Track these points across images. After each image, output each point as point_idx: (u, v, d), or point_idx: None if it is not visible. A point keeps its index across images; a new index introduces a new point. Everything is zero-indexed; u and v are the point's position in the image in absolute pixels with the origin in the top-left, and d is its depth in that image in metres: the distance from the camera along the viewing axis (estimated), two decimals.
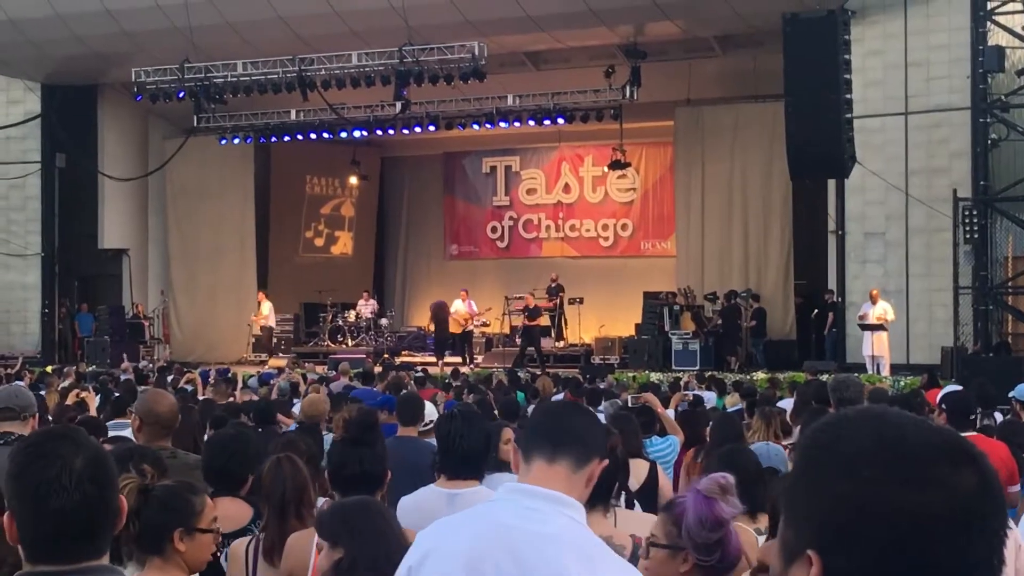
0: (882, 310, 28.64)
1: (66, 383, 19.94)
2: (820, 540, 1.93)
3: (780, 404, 15.05)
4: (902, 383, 25.42)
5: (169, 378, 24.05)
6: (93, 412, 13.15)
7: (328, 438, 10.76)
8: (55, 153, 38.97)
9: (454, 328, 36.44)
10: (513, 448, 4.13)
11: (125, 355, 34.38)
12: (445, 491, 6.62)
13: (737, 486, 4.63)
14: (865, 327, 28.81)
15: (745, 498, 6.03)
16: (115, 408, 12.37)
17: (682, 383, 22.76)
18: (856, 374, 22.63)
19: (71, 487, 3.26)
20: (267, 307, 37.77)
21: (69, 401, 13.27)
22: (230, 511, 6.41)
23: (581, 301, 37.08)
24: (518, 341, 36.59)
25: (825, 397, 11.94)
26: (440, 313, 36.59)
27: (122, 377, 25.01)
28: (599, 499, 5.76)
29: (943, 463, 1.89)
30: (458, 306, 36.43)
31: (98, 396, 18.13)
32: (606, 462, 4.05)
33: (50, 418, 11.72)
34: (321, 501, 6.85)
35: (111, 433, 9.96)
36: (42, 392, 18.30)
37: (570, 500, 3.85)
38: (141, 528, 4.84)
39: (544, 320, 36.05)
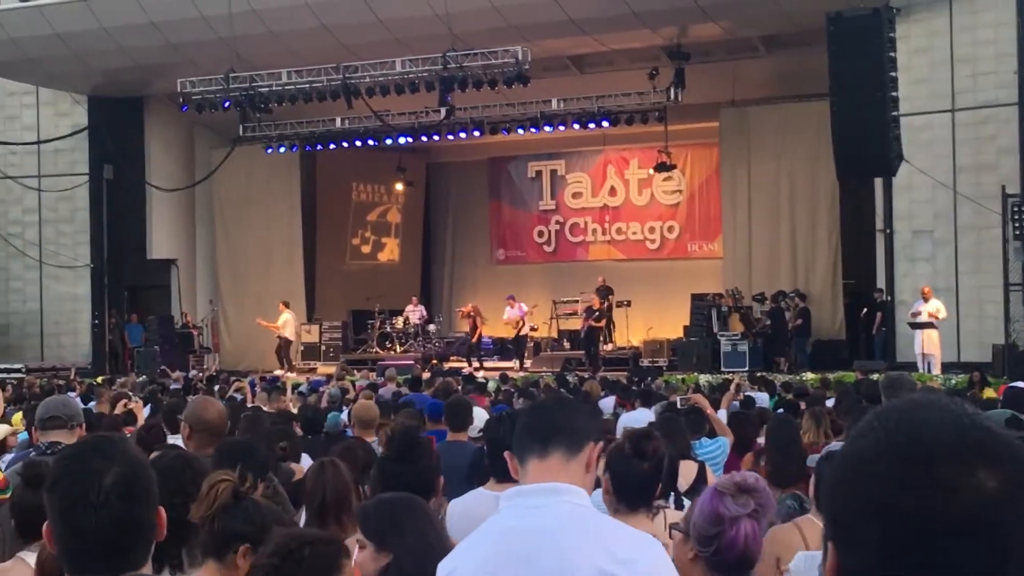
0: (934, 307, 28.47)
1: (119, 392, 20.00)
2: (833, 533, 1.90)
3: (828, 403, 15.04)
4: (953, 381, 25.26)
5: (216, 387, 24.09)
6: (141, 422, 13.18)
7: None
8: (103, 165, 39.25)
9: (507, 333, 36.50)
10: (508, 457, 4.12)
11: (166, 366, 34.47)
12: (494, 494, 6.59)
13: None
14: (916, 325, 28.64)
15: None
16: (168, 421, 12.37)
17: (733, 385, 22.67)
18: (908, 372, 22.55)
19: (99, 504, 3.22)
20: (282, 319, 37.31)
21: (118, 411, 13.32)
22: None
23: (629, 304, 37.01)
24: (566, 345, 36.62)
25: (875, 396, 11.88)
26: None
27: (172, 387, 25.10)
28: (641, 501, 5.74)
29: (956, 465, 1.80)
30: (509, 313, 36.44)
31: (148, 406, 18.23)
32: (601, 444, 4.07)
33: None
34: None
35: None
36: (92, 403, 18.41)
37: (567, 487, 3.84)
38: (218, 528, 4.84)
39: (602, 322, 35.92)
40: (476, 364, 35.51)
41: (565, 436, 3.95)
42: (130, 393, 19.94)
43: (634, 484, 5.81)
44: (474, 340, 37.39)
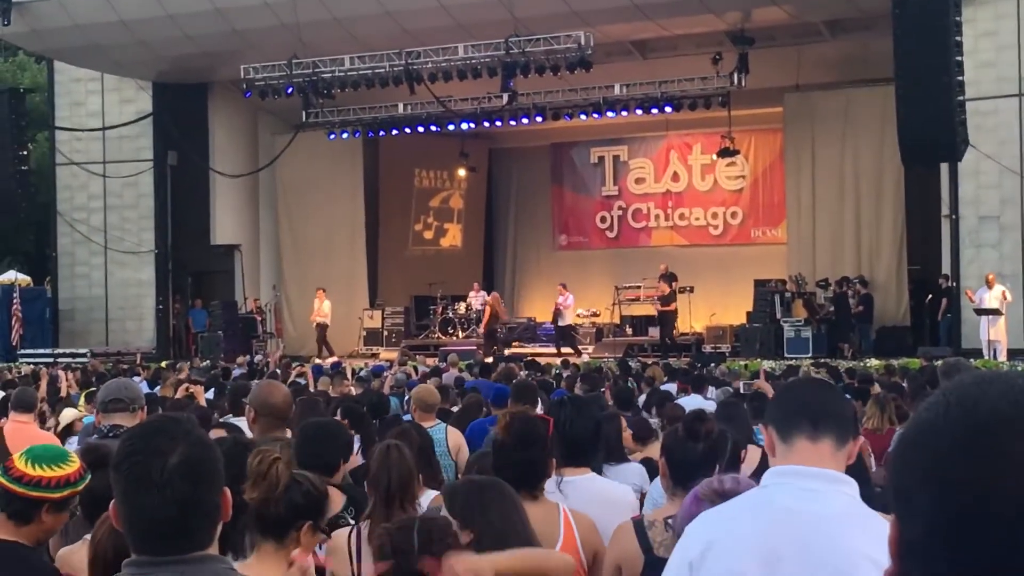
0: (999, 293, 28.26)
1: (180, 377, 20.14)
2: (895, 506, 1.89)
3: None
4: (1020, 367, 25.05)
5: (279, 372, 24.19)
6: (202, 404, 13.28)
7: (441, 428, 10.78)
8: (167, 151, 39.50)
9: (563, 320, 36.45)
10: (764, 428, 4.04)
11: (230, 351, 34.65)
12: (556, 478, 6.57)
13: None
14: (981, 312, 28.43)
15: None
16: (233, 404, 12.44)
17: (801, 371, 22.59)
18: (971, 359, 22.41)
19: (161, 483, 3.22)
20: (327, 306, 37.47)
21: (179, 395, 13.41)
22: None
23: (692, 290, 36.88)
24: (628, 331, 36.62)
25: (937, 382, 11.81)
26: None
27: (236, 372, 25.23)
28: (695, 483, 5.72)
29: (1012, 435, 1.76)
30: (561, 300, 36.27)
31: (211, 390, 18.35)
32: (861, 439, 4.01)
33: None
34: (432, 494, 6.85)
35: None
36: (157, 388, 18.55)
37: (845, 478, 3.77)
38: (282, 509, 4.87)
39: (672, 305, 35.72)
40: (558, 350, 35.23)
41: (836, 422, 3.88)
42: (195, 377, 20.12)
43: (690, 465, 5.80)
44: (482, 330, 37.11)
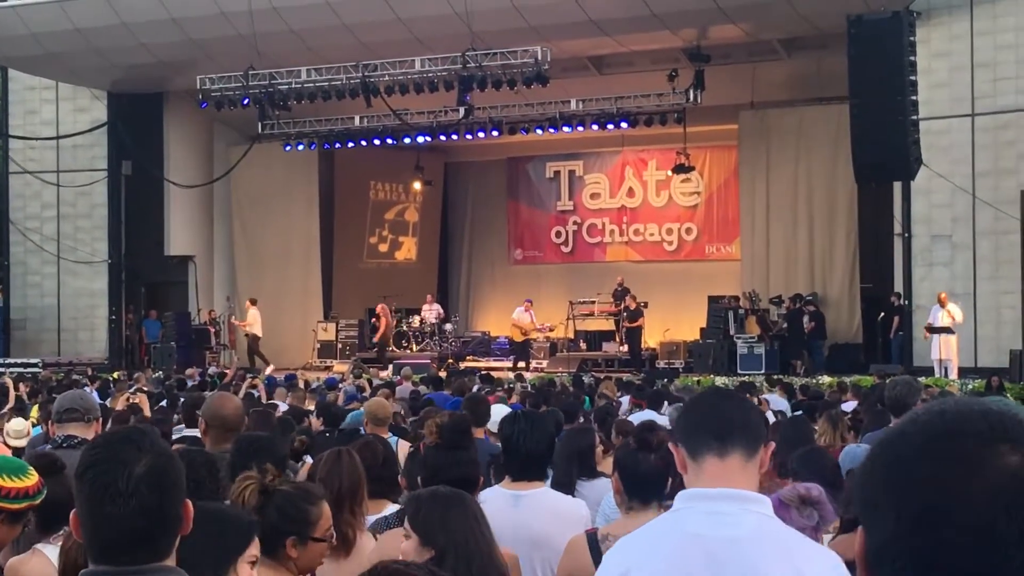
0: (950, 313, 28.43)
1: (132, 389, 20.02)
2: (861, 515, 1.92)
3: (843, 407, 15.02)
4: (970, 386, 25.22)
5: (233, 384, 24.09)
6: (147, 414, 13.20)
7: (394, 442, 10.77)
8: (121, 160, 39.27)
9: (516, 336, 36.53)
10: (673, 447, 3.96)
11: (174, 365, 34.49)
12: (510, 492, 6.59)
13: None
14: (933, 330, 28.59)
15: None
16: (187, 416, 12.39)
17: (756, 386, 22.66)
18: (921, 376, 22.55)
19: (127, 493, 3.25)
20: (250, 315, 37.11)
21: (120, 405, 13.29)
22: None
23: (646, 305, 36.93)
24: (582, 345, 36.72)
25: (895, 400, 11.87)
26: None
27: (189, 383, 25.13)
28: (653, 495, 5.73)
29: (978, 440, 1.82)
30: (519, 315, 36.42)
31: (164, 401, 18.25)
32: (772, 445, 3.90)
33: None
34: (395, 507, 6.85)
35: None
36: (108, 400, 18.43)
37: (755, 495, 3.72)
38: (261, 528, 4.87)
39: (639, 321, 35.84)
40: (522, 364, 35.31)
41: (743, 434, 3.79)
42: (137, 387, 19.99)
43: (643, 477, 5.80)
44: (376, 339, 37.57)
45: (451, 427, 6.74)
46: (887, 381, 12.91)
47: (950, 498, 1.79)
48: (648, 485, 5.73)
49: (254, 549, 4.22)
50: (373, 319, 38.03)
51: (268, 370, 32.44)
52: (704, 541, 3.62)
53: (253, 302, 37.43)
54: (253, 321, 36.98)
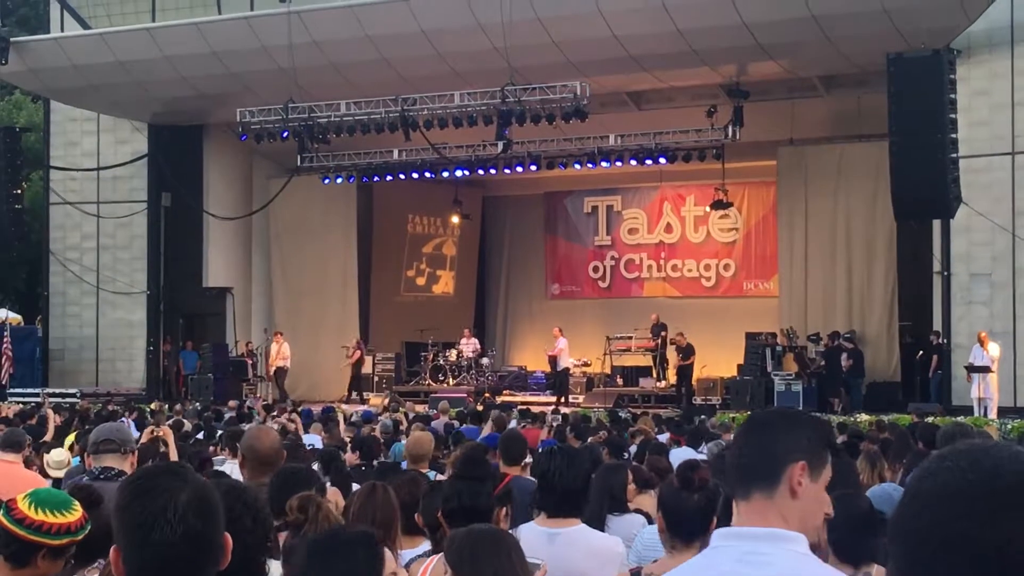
0: (992, 352, 28.28)
1: (170, 421, 20.02)
2: (902, 568, 1.92)
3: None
4: (1009, 426, 25.05)
5: (263, 416, 24.10)
6: (172, 448, 13.16)
7: (431, 476, 10.74)
8: (161, 192, 39.51)
9: (546, 367, 36.71)
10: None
11: (211, 396, 34.54)
12: (546, 530, 6.56)
13: (840, 533, 4.52)
14: (974, 369, 28.42)
15: (844, 547, 5.86)
16: (231, 448, 12.39)
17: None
18: (961, 416, 22.41)
19: (175, 521, 3.27)
20: (286, 348, 37.63)
21: (145, 438, 13.21)
22: None
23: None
24: (619, 381, 36.68)
25: (930, 439, 11.80)
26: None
27: (227, 415, 25.14)
28: (696, 534, 5.71)
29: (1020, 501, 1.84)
30: (560, 344, 36.49)
31: (201, 433, 18.27)
32: (802, 463, 3.67)
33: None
34: (428, 545, 6.84)
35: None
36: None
37: (788, 533, 3.56)
38: None
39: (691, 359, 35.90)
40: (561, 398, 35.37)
41: (758, 471, 3.67)
42: (174, 418, 19.99)
43: (686, 516, 5.78)
44: (351, 373, 38.15)
45: (465, 458, 6.74)
46: (941, 427, 12.79)
47: (996, 559, 1.81)
48: (691, 524, 5.71)
49: None
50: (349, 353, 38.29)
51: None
52: None
53: (279, 335, 37.58)
54: (285, 353, 37.17)
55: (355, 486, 10.40)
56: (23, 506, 5.32)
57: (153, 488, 3.35)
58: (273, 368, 37.60)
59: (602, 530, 7.77)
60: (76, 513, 5.38)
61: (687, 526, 5.72)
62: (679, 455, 13.20)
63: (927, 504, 1.90)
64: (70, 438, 15.97)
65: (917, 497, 1.92)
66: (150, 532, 3.28)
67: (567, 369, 36.71)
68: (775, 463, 3.67)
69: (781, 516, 3.61)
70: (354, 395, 37.56)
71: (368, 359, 38.46)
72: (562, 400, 34.72)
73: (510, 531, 6.87)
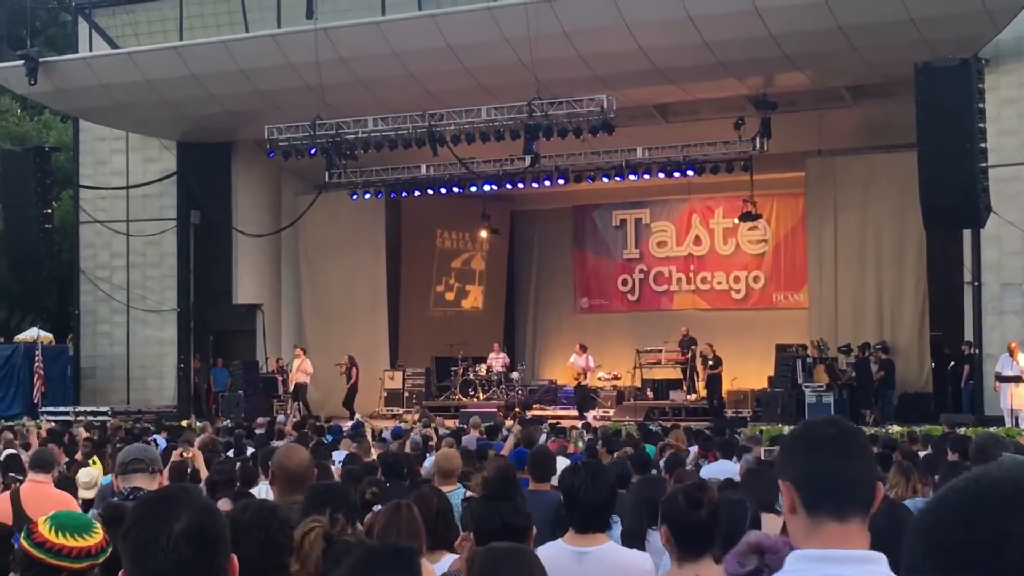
0: (1021, 362, 28.15)
1: (203, 437, 20.04)
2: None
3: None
4: None
5: (292, 435, 24.08)
6: (202, 466, 13.15)
7: (460, 492, 10.73)
8: (190, 210, 39.68)
9: (568, 380, 36.63)
10: (784, 486, 3.62)
11: (242, 414, 34.58)
12: (574, 549, 6.53)
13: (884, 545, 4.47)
14: (1003, 379, 28.30)
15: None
16: (264, 466, 12.36)
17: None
18: (993, 427, 22.29)
19: (168, 548, 3.32)
20: (308, 364, 37.73)
21: (174, 458, 13.16)
22: None
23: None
24: (649, 394, 36.61)
25: (962, 449, 11.74)
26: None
27: (257, 432, 25.18)
28: (704, 547, 5.73)
29: (1013, 512, 1.85)
30: (574, 360, 36.62)
31: (231, 450, 18.30)
32: (882, 488, 3.61)
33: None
34: (451, 558, 6.82)
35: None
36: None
37: (874, 555, 3.45)
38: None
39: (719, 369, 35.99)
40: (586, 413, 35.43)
41: (861, 495, 3.55)
42: (202, 438, 19.97)
43: (692, 531, 5.79)
44: (347, 389, 38.01)
45: (495, 477, 6.73)
46: (974, 439, 12.69)
47: (980, 563, 1.83)
48: (697, 538, 5.74)
49: None
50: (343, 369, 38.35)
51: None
52: None
53: (301, 351, 37.70)
54: (307, 369, 37.28)
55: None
56: (43, 529, 5.31)
57: (150, 515, 3.41)
58: (292, 384, 37.64)
59: (643, 544, 7.76)
60: (97, 536, 5.37)
61: (693, 540, 5.76)
62: (715, 470, 13.17)
63: (922, 515, 1.95)
64: (96, 459, 15.99)
65: (923, 512, 1.96)
66: (144, 559, 3.35)
67: (584, 385, 36.84)
68: (870, 484, 3.58)
69: (864, 539, 3.54)
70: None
71: (355, 371, 38.12)
72: (590, 414, 34.83)
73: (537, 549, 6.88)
